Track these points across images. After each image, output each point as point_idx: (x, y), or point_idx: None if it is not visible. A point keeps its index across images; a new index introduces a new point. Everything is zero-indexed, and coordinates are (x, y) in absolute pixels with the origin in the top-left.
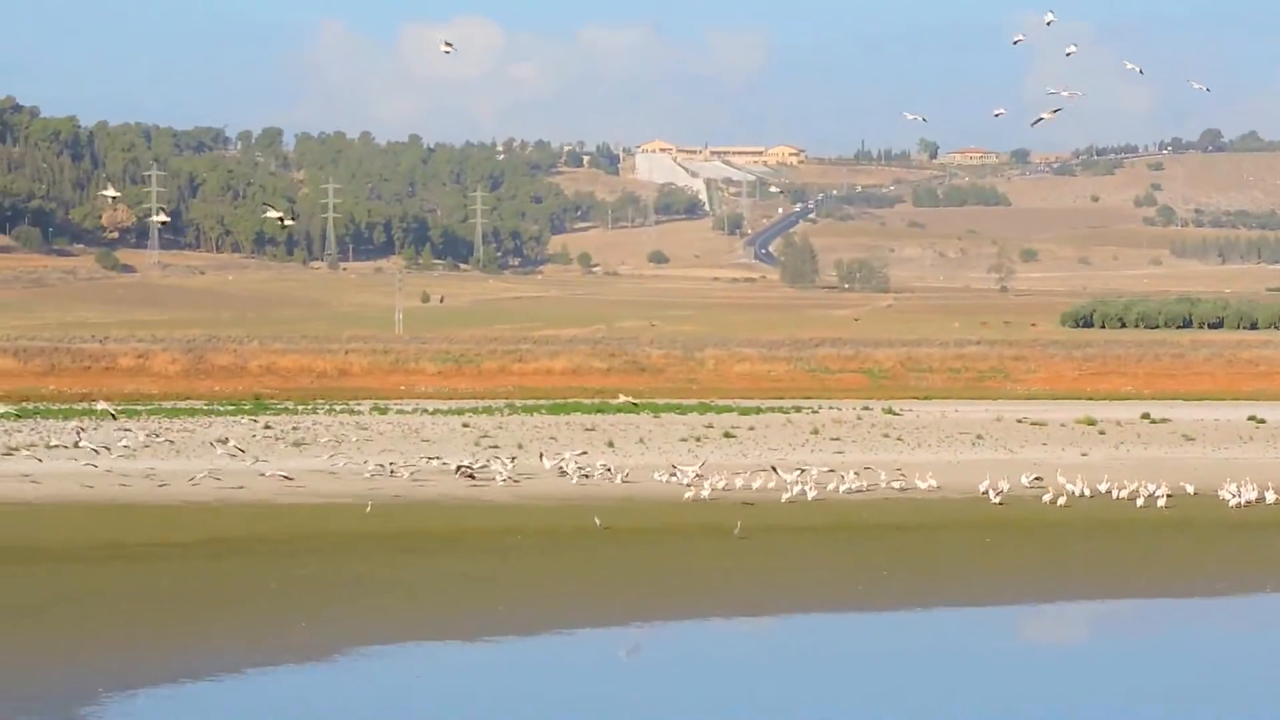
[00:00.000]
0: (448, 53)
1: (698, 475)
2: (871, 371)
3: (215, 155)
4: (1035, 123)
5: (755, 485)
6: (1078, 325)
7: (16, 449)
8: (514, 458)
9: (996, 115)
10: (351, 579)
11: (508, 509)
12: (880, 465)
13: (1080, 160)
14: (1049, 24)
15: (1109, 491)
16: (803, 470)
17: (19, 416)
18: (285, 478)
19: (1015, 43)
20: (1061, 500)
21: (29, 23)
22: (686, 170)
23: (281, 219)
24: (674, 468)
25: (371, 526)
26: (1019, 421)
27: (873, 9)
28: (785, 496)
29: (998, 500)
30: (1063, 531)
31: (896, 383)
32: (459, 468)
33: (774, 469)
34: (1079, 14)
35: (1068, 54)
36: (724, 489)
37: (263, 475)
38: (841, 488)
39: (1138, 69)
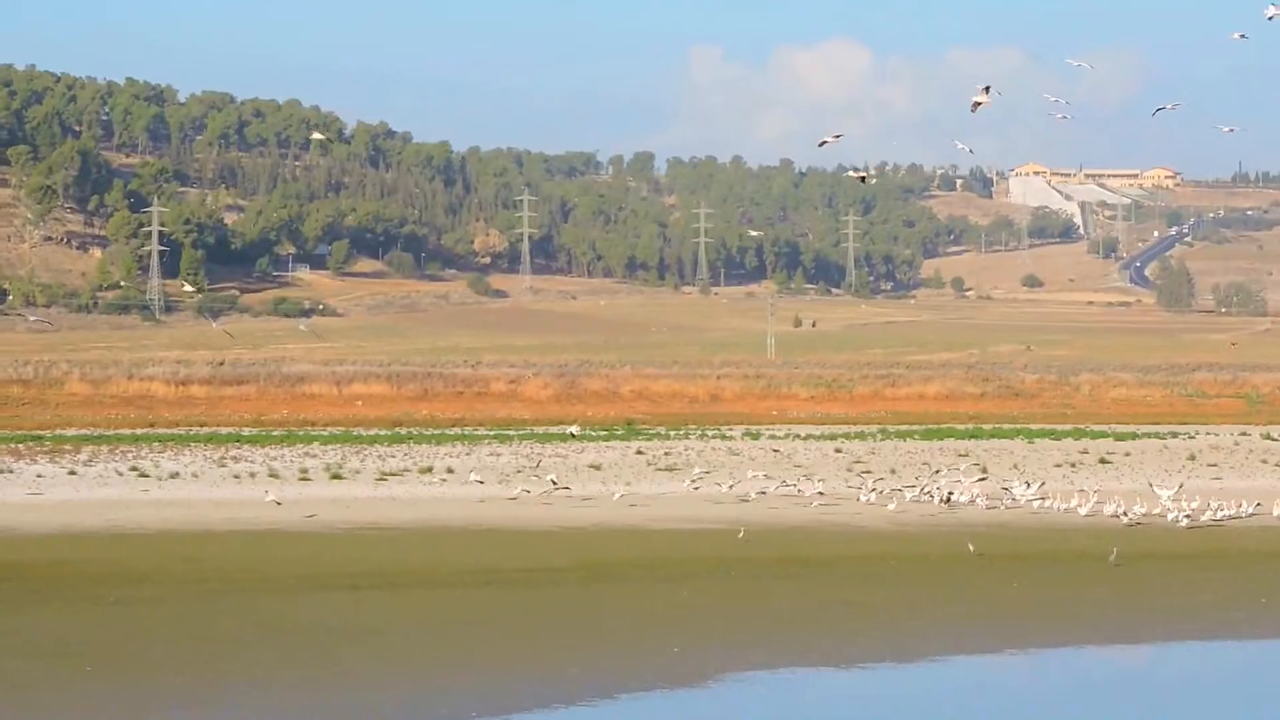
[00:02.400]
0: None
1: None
2: (1249, 396)
3: (587, 180)
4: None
5: (1139, 510)
6: None
7: (390, 475)
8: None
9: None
10: (724, 604)
11: (880, 535)
12: (1259, 492)
13: None
14: (1271, 19)
15: None
16: (1180, 495)
17: (392, 441)
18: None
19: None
20: None
21: (403, 49)
22: (1060, 193)
23: (864, 178)
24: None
25: (744, 552)
26: None
27: (1253, 36)
28: (1171, 518)
29: None
30: None
31: (1275, 408)
32: (947, 497)
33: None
34: None
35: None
36: (1110, 514)
37: (633, 506)
38: (1220, 514)
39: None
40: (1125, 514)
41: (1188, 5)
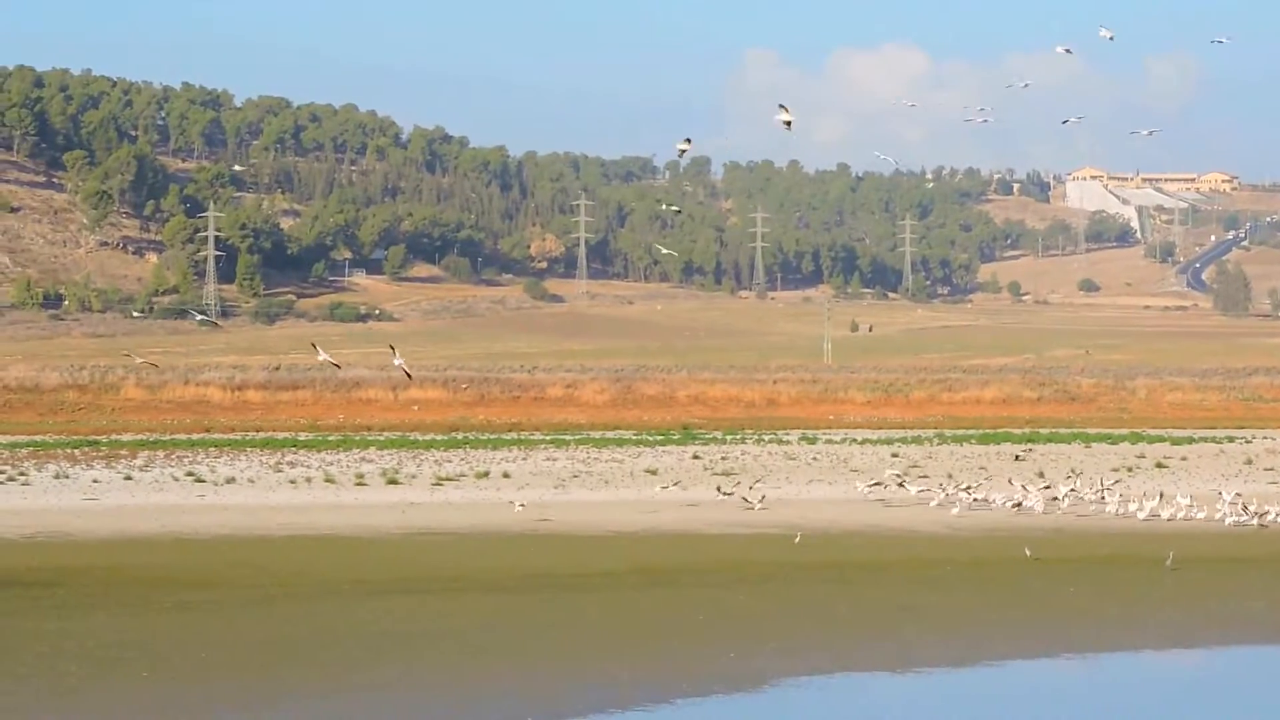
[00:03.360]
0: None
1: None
2: None
3: (643, 185)
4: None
5: (1199, 515)
6: None
7: (446, 479)
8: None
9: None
10: (780, 609)
11: (935, 540)
12: None
13: None
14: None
15: None
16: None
17: (449, 446)
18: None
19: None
20: None
21: (460, 53)
22: (1117, 197)
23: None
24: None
25: (799, 557)
26: None
27: None
28: (1229, 521)
29: None
30: None
31: None
32: (1018, 503)
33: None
34: None
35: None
36: (1166, 519)
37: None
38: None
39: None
40: (1264, 516)
41: (1246, 9)
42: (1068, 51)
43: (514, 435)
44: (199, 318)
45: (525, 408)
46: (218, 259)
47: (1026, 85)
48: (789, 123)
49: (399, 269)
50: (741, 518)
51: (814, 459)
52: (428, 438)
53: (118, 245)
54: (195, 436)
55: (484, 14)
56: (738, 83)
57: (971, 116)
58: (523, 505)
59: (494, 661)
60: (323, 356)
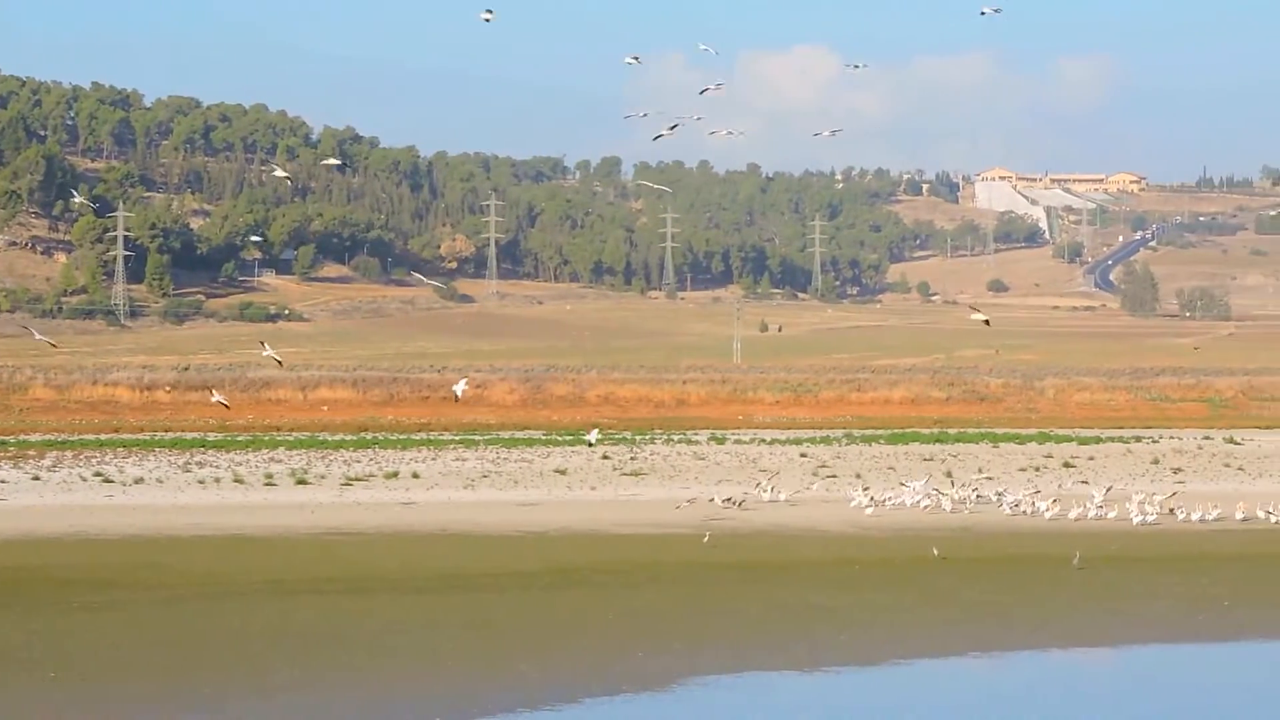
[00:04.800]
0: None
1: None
2: (1213, 400)
3: (554, 185)
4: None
5: (1111, 515)
6: None
7: (355, 480)
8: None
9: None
10: (690, 608)
11: (844, 539)
12: (1221, 496)
13: None
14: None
15: None
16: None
17: (358, 446)
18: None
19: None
20: None
21: (371, 55)
22: (1026, 198)
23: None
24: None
25: (709, 557)
26: None
27: (1218, 43)
28: (1137, 520)
29: None
30: None
31: (1238, 412)
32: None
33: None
34: None
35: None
36: (1073, 519)
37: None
38: (1194, 516)
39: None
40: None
41: (1155, 13)
42: (707, 49)
43: (423, 435)
44: (267, 352)
45: (435, 408)
46: (127, 259)
47: (720, 85)
48: (343, 165)
49: (309, 269)
50: (654, 518)
51: (723, 458)
52: (337, 438)
53: (26, 245)
54: (104, 437)
55: (393, 15)
56: (649, 84)
57: (664, 124)
58: (689, 502)
59: (403, 662)
60: (459, 386)
